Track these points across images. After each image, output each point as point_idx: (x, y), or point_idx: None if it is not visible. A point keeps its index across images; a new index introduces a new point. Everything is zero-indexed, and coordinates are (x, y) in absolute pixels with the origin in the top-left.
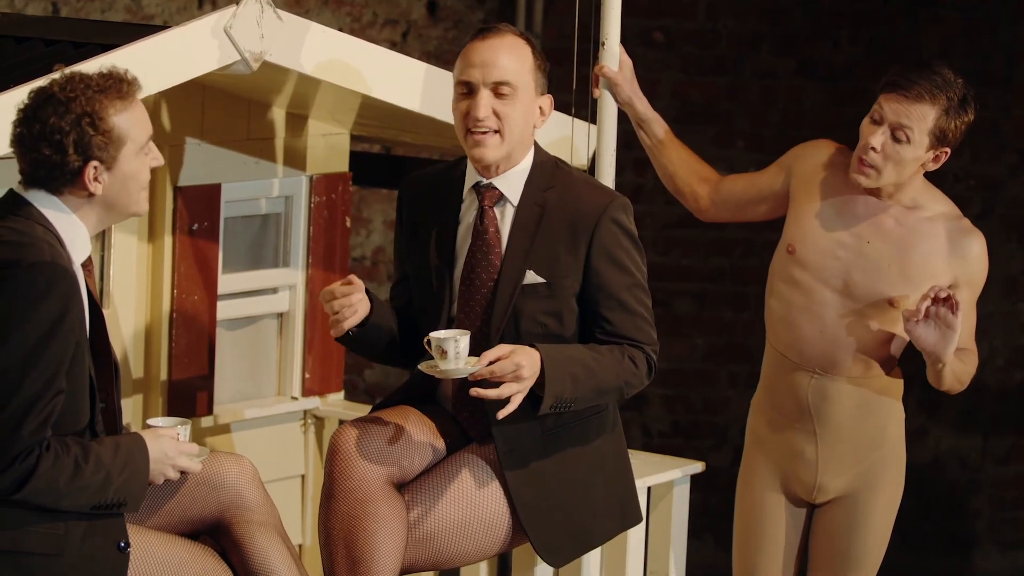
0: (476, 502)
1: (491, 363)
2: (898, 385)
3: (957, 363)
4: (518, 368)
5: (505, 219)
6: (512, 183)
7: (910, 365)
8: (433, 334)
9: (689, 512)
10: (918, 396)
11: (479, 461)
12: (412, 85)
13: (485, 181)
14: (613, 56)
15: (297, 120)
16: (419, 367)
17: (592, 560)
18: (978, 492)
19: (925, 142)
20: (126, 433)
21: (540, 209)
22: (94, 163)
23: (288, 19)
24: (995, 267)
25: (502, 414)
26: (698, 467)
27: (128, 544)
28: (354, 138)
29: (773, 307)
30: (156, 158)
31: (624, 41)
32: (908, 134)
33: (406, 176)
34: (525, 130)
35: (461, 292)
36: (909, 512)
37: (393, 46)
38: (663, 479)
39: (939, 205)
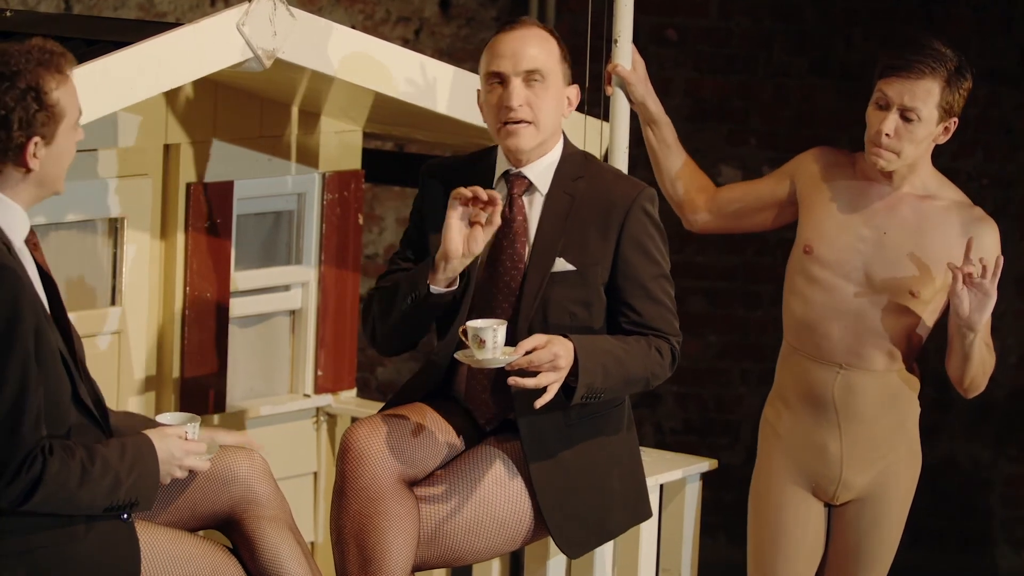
0: (487, 499)
1: (528, 352)
2: (916, 381)
3: (985, 349)
4: (555, 358)
5: (534, 208)
6: (541, 173)
7: (925, 365)
8: (470, 323)
9: (702, 510)
10: (931, 395)
11: (491, 458)
12: (425, 82)
13: (515, 170)
14: (625, 53)
15: (310, 117)
16: (455, 355)
17: (605, 557)
18: (990, 490)
19: (935, 116)
20: (132, 434)
21: (570, 198)
22: (36, 139)
23: (301, 16)
24: (1007, 266)
25: (539, 403)
26: (711, 465)
27: (129, 514)
28: (367, 135)
29: (795, 309)
30: (80, 134)
31: (637, 39)
32: (918, 113)
33: (427, 163)
34: (556, 119)
35: (483, 280)
36: (921, 510)
37: (406, 43)
38: (675, 476)
39: (950, 192)
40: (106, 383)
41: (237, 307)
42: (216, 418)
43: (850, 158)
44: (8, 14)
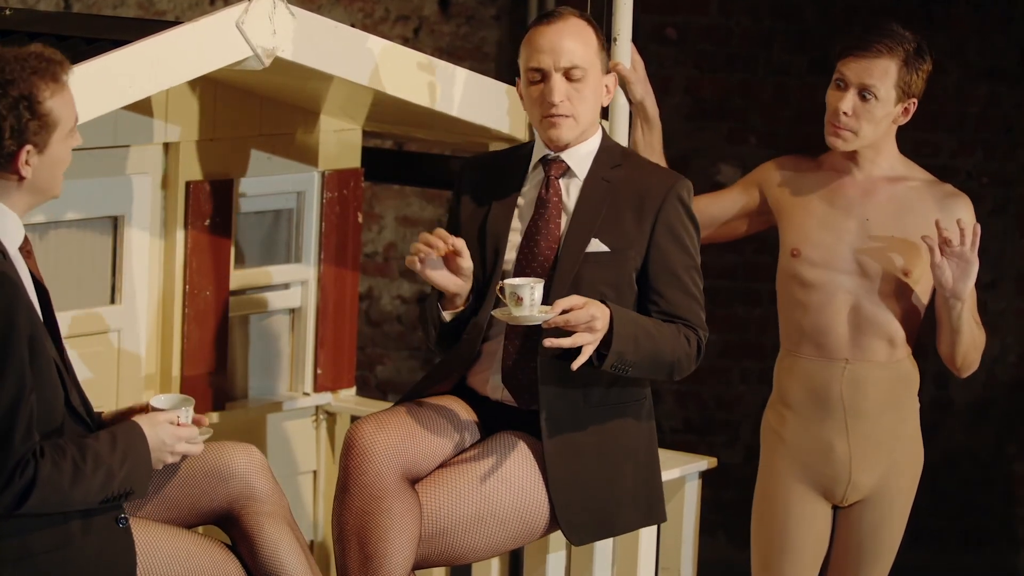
0: (490, 497)
1: (564, 312)
2: (917, 376)
3: (974, 323)
4: (592, 319)
5: (571, 192)
6: (579, 159)
7: (925, 363)
8: (507, 281)
9: (701, 509)
10: (931, 393)
11: (496, 456)
12: (424, 81)
13: (552, 154)
14: (625, 52)
15: (309, 116)
16: (492, 313)
17: (604, 555)
18: (991, 489)
19: (892, 96)
20: (122, 423)
21: (607, 184)
22: (28, 147)
23: (300, 15)
24: (1007, 264)
25: (575, 365)
26: (710, 463)
27: (126, 519)
28: (366, 134)
29: (795, 316)
30: (77, 139)
31: (637, 38)
32: (875, 91)
33: (463, 161)
34: (595, 110)
35: (519, 260)
36: (922, 510)
37: (405, 42)
38: (675, 475)
39: (918, 173)
40: (106, 381)
41: (237, 305)
42: (215, 416)
43: (815, 161)
44: (7, 12)
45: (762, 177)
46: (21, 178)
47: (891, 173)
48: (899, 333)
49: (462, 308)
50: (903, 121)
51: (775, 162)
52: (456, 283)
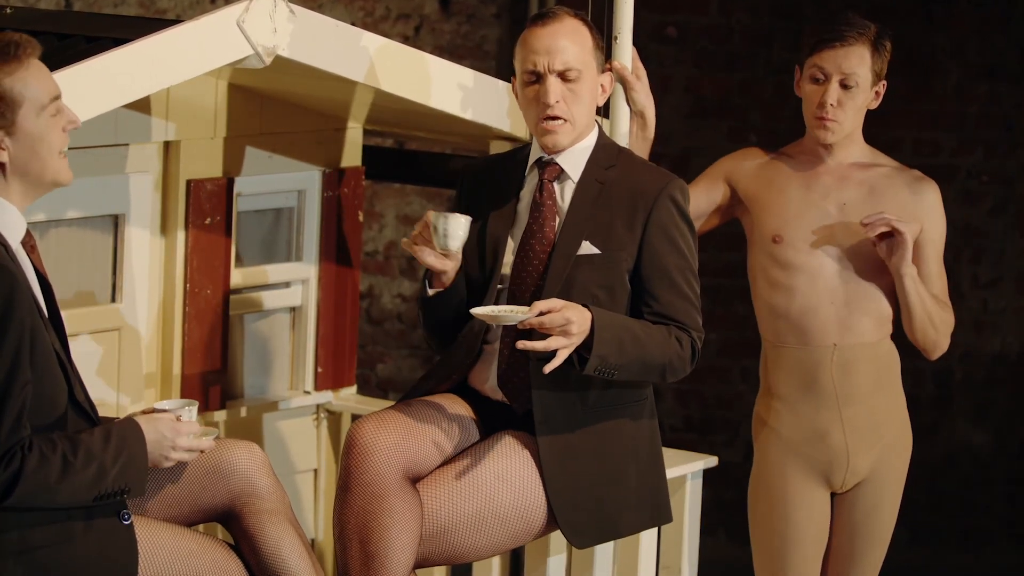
0: (490, 496)
1: (541, 313)
2: (898, 356)
3: (931, 301)
4: (567, 323)
5: (565, 194)
6: (574, 160)
7: (924, 363)
8: None
9: (702, 507)
10: (931, 393)
11: (497, 455)
12: (425, 80)
13: (547, 157)
14: (626, 51)
15: (310, 114)
16: (471, 311)
17: (605, 555)
18: (991, 489)
19: (869, 80)
20: (120, 419)
21: (600, 185)
22: None
23: (301, 13)
24: (1007, 264)
25: (548, 369)
26: (711, 462)
27: (129, 516)
28: (367, 132)
29: (778, 302)
30: (71, 120)
31: (637, 36)
32: (856, 79)
33: (467, 164)
34: (591, 111)
35: (515, 263)
36: (922, 508)
37: (406, 40)
38: (676, 474)
39: (885, 160)
40: (106, 380)
41: (237, 304)
42: (216, 415)
43: (779, 152)
44: (8, 11)
45: (728, 170)
46: (1, 164)
47: (861, 160)
48: (886, 309)
49: (447, 287)
50: (875, 105)
51: (741, 154)
52: (440, 260)
